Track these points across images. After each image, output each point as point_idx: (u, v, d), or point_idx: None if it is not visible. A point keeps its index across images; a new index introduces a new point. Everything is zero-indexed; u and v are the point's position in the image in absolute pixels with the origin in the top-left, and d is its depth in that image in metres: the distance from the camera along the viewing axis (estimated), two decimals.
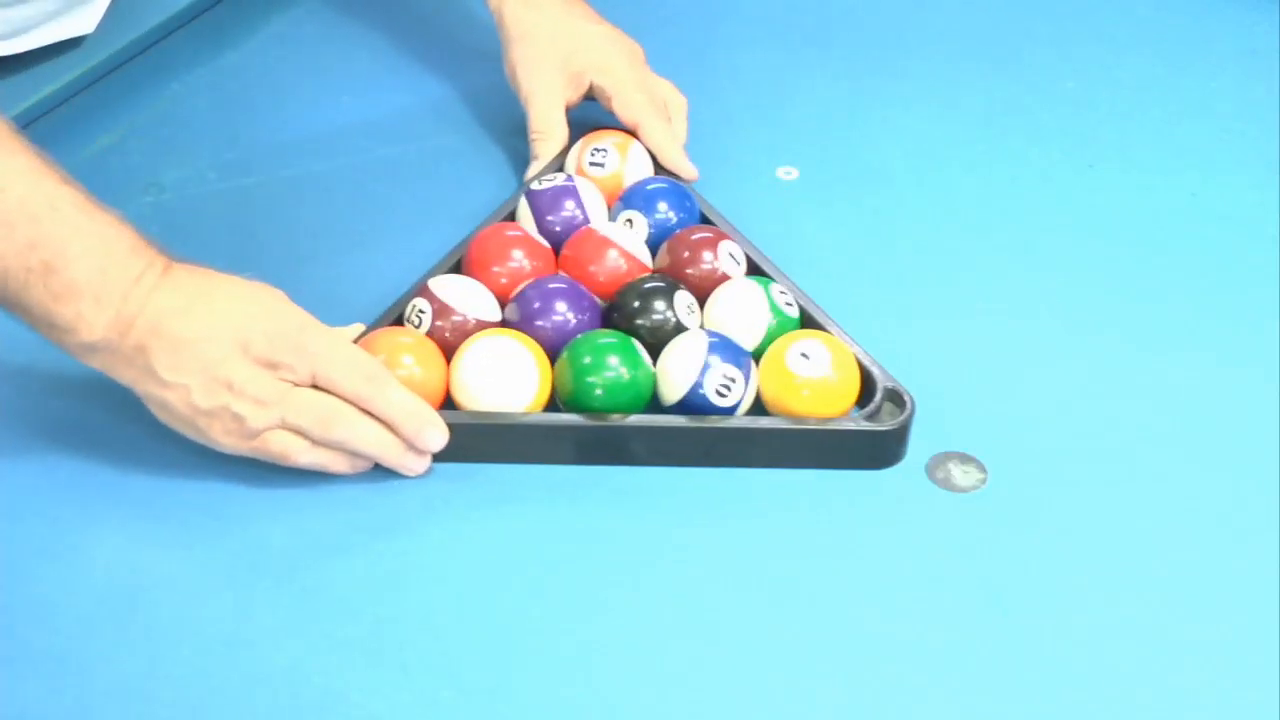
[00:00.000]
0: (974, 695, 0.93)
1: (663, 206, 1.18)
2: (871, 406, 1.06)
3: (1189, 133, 1.37)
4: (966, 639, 0.96)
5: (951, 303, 1.17)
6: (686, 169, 1.25)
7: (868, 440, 1.05)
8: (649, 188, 1.20)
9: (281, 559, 1.00)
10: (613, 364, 1.05)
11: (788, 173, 1.30)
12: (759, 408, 1.07)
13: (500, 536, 1.02)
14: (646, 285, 1.10)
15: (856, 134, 1.35)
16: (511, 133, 1.32)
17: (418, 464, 1.03)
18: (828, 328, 1.10)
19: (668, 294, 1.09)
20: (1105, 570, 1.00)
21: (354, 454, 1.02)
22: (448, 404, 1.06)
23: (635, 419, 1.05)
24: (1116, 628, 0.96)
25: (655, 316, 1.08)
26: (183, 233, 1.18)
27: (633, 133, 1.26)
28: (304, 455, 1.01)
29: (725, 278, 1.12)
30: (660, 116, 1.26)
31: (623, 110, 1.26)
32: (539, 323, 1.08)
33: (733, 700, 0.93)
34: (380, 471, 1.04)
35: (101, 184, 1.13)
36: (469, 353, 1.06)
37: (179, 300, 0.99)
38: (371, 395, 1.01)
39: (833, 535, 1.02)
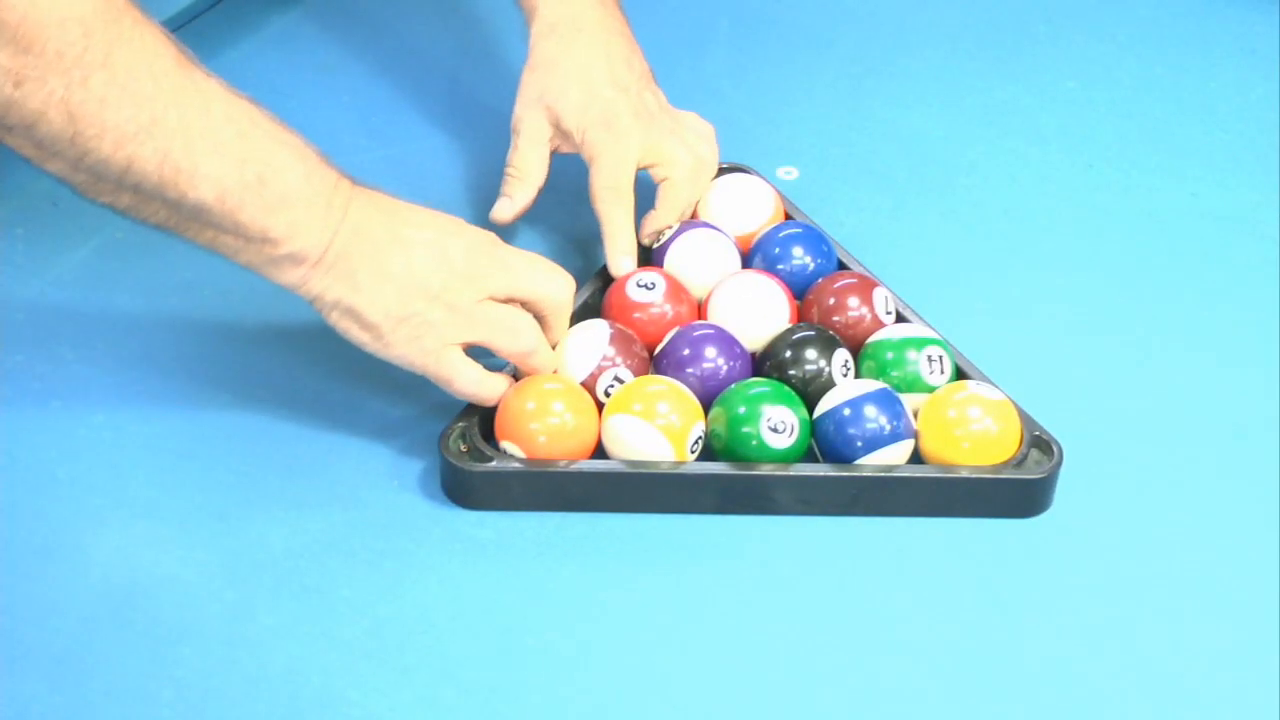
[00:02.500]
0: None
1: (798, 252, 1.16)
2: (1019, 455, 1.04)
3: (1189, 133, 1.37)
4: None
5: (951, 302, 1.17)
6: (617, 265, 1.16)
7: (1014, 489, 1.04)
8: (782, 234, 1.17)
9: (281, 559, 1.00)
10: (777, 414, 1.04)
11: (788, 173, 1.30)
12: (917, 458, 1.06)
13: (500, 536, 1.02)
14: (797, 335, 1.09)
15: (856, 134, 1.35)
16: (508, 133, 1.32)
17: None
18: (974, 376, 1.09)
19: (819, 345, 1.08)
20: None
21: (529, 370, 1.05)
22: (599, 454, 1.05)
23: (779, 468, 1.03)
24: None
25: (808, 367, 1.08)
26: None
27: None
28: (468, 384, 1.03)
29: (878, 324, 1.11)
30: (621, 206, 1.17)
31: (592, 192, 1.19)
32: (689, 370, 1.07)
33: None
34: (380, 471, 1.04)
35: None
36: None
37: (378, 210, 1.01)
38: (564, 306, 1.06)
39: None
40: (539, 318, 1.05)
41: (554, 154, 1.22)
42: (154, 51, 0.94)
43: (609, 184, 1.18)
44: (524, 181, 1.21)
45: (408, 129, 1.34)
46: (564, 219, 1.25)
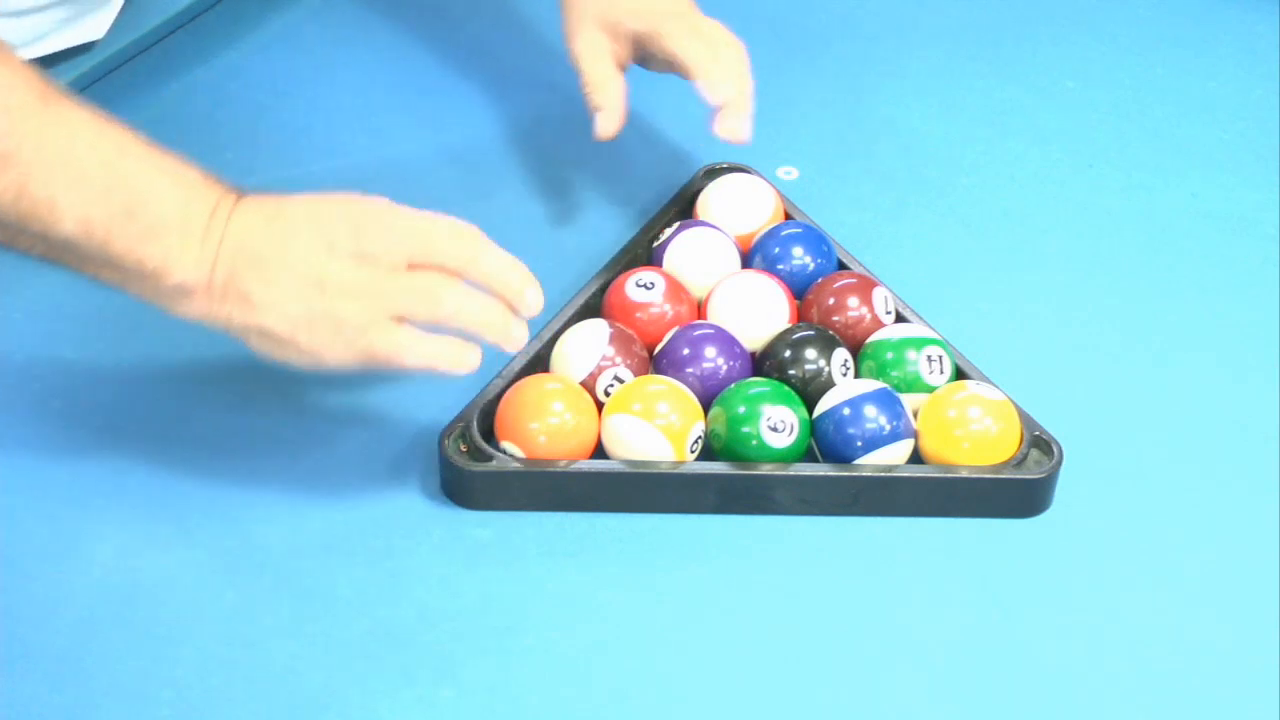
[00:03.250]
0: None
1: (798, 252, 1.16)
2: (1019, 455, 1.04)
3: (1189, 133, 1.37)
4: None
5: (951, 302, 1.17)
6: (736, 128, 1.16)
7: (1014, 489, 1.04)
8: (782, 234, 1.17)
9: (281, 559, 1.00)
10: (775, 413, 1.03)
11: (788, 173, 1.30)
12: (916, 458, 1.06)
13: (500, 536, 1.02)
14: (797, 335, 1.09)
15: (856, 134, 1.35)
16: (514, 131, 1.32)
17: (520, 333, 0.99)
18: (974, 376, 1.08)
19: (819, 344, 1.08)
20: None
21: (463, 333, 0.97)
22: (599, 454, 1.05)
23: (779, 467, 1.03)
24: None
25: (808, 367, 1.07)
26: None
27: (682, 72, 1.19)
28: (413, 351, 0.96)
29: (878, 324, 1.11)
30: (712, 53, 1.17)
31: (668, 49, 1.18)
32: (689, 370, 1.07)
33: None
34: (376, 471, 1.04)
35: None
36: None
37: (258, 220, 0.96)
38: (474, 256, 0.97)
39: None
40: (464, 278, 0.98)
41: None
42: (11, 86, 0.93)
43: (687, 36, 1.17)
44: (607, 89, 1.19)
45: (408, 129, 1.34)
46: (563, 223, 1.25)
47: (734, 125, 1.16)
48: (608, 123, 1.18)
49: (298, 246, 0.96)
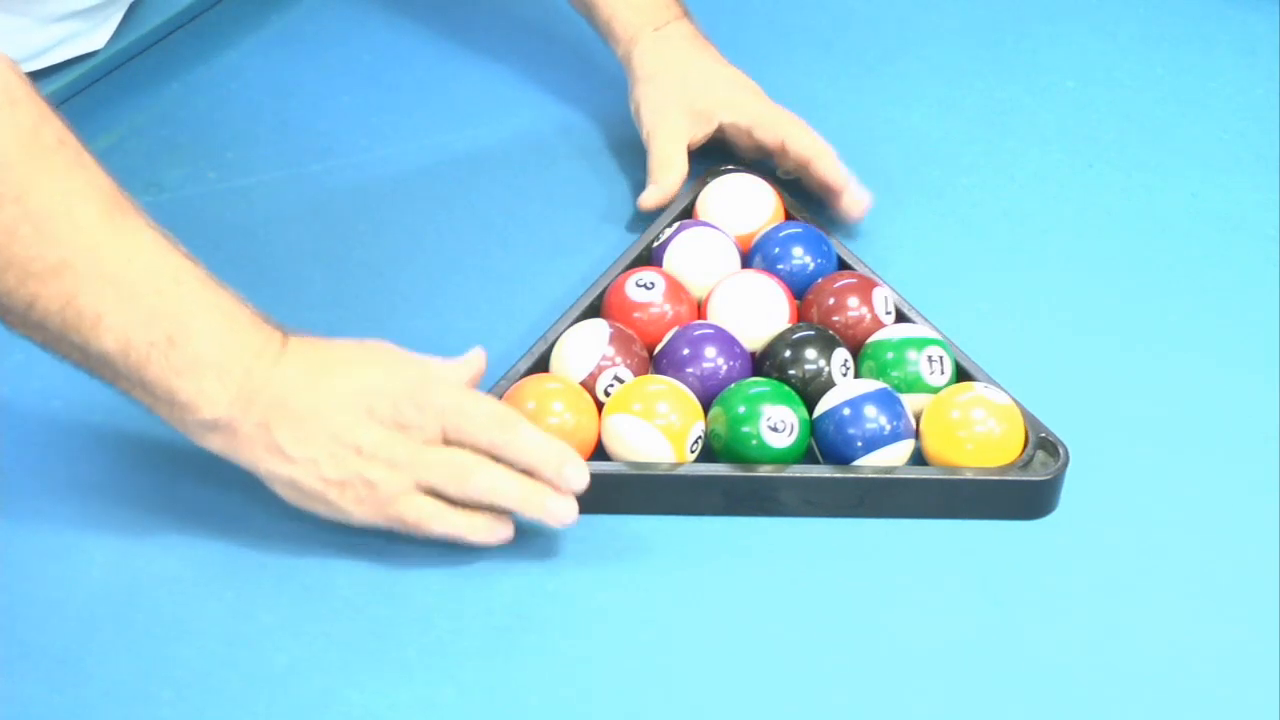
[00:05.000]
0: None
1: (798, 252, 1.16)
2: (1024, 456, 1.04)
3: (1189, 133, 1.37)
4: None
5: (951, 303, 1.17)
6: (853, 195, 1.23)
7: (1020, 491, 1.04)
8: (782, 234, 1.18)
9: (281, 559, 1.00)
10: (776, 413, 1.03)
11: (787, 173, 1.30)
12: (919, 459, 1.06)
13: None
14: (797, 335, 1.09)
15: (856, 134, 1.35)
16: (515, 132, 1.32)
17: (565, 511, 0.97)
18: (978, 377, 1.08)
19: (819, 344, 1.08)
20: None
21: (494, 508, 0.98)
22: (599, 454, 1.05)
23: (784, 469, 1.03)
24: None
25: (808, 367, 1.07)
26: (183, 233, 1.18)
27: (778, 155, 1.25)
28: (440, 522, 0.97)
29: (878, 324, 1.11)
30: (805, 128, 1.24)
31: (766, 132, 1.24)
32: (689, 370, 1.07)
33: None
34: None
35: None
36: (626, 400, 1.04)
37: (300, 373, 0.97)
38: (506, 440, 0.97)
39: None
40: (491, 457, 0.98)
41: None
42: (80, 196, 0.93)
43: (783, 119, 1.25)
44: (670, 170, 1.23)
45: (408, 129, 1.34)
46: (564, 223, 1.25)
47: (857, 199, 1.24)
48: (652, 197, 1.23)
49: (337, 409, 0.96)
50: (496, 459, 0.97)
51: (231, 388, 0.95)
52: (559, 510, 0.97)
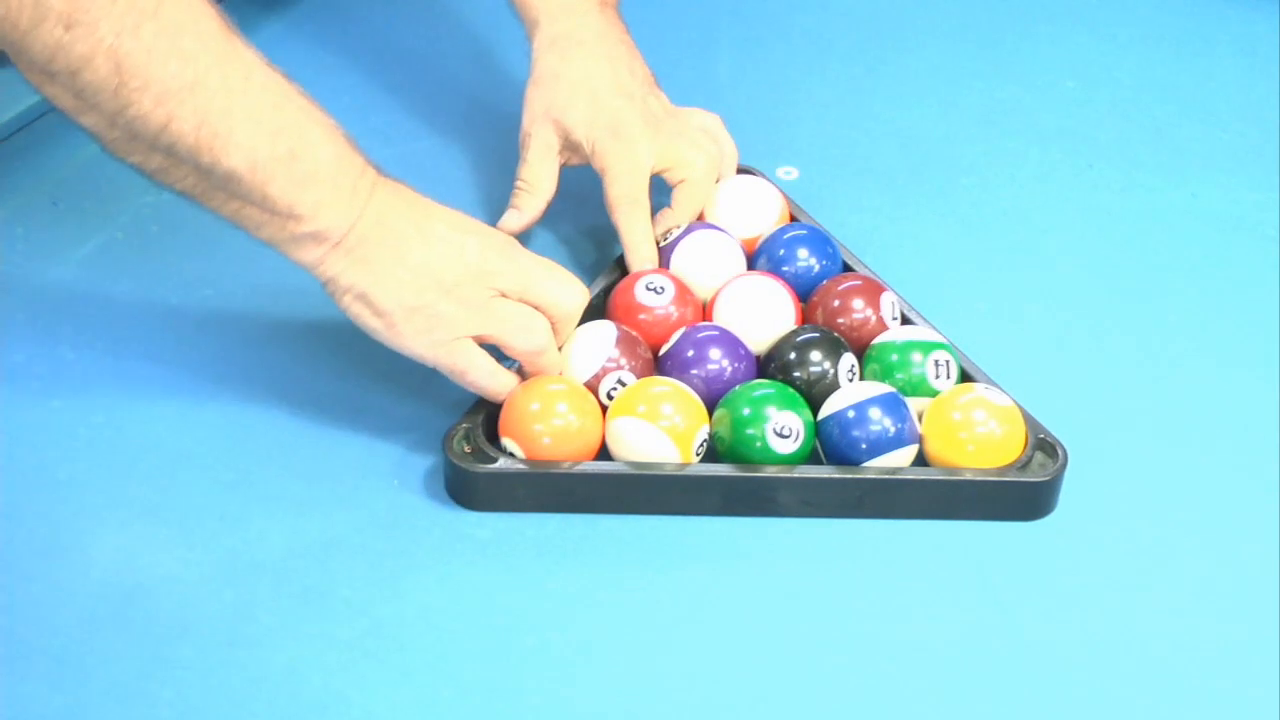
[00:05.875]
0: None
1: (803, 254, 1.16)
2: (1023, 458, 1.04)
3: (1189, 133, 1.37)
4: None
5: (951, 303, 1.17)
6: (638, 263, 1.16)
7: (1019, 492, 1.04)
8: (787, 236, 1.17)
9: (281, 559, 1.00)
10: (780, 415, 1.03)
11: (787, 173, 1.30)
12: (919, 460, 1.06)
13: (500, 536, 1.02)
14: (802, 337, 1.09)
15: (856, 134, 1.35)
16: (515, 131, 1.32)
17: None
18: (978, 379, 1.08)
19: (824, 347, 1.08)
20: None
21: (536, 371, 1.04)
22: (603, 456, 1.05)
23: (784, 470, 1.03)
24: None
25: (813, 369, 1.07)
26: (183, 233, 1.18)
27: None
28: (482, 376, 1.03)
29: (882, 327, 1.11)
30: (638, 216, 1.17)
31: (608, 202, 1.19)
32: (694, 371, 1.07)
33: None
34: (377, 471, 1.04)
35: (102, 184, 1.14)
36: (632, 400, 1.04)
37: (402, 201, 1.01)
38: (575, 313, 1.05)
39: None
40: (552, 325, 1.05)
41: (564, 167, 1.22)
42: (201, 11, 0.94)
43: (625, 194, 1.18)
44: (533, 194, 1.21)
45: (408, 129, 1.34)
46: (572, 222, 1.25)
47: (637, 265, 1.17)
48: (512, 223, 1.21)
49: (436, 243, 1.01)
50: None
51: (343, 201, 0.98)
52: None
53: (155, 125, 0.93)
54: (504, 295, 1.03)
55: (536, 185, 1.21)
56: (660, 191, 1.20)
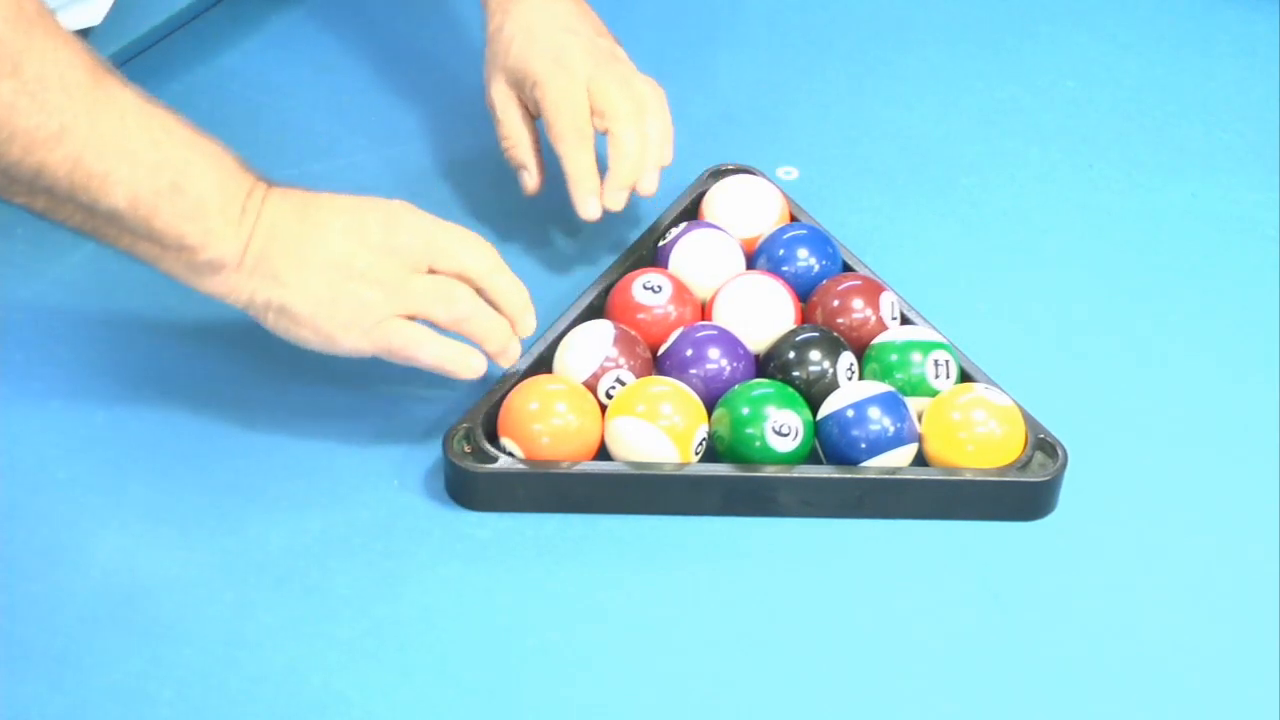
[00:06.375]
0: None
1: (803, 253, 1.16)
2: (1023, 458, 1.04)
3: (1189, 133, 1.37)
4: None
5: (951, 303, 1.17)
6: (584, 207, 1.16)
7: (1019, 492, 1.04)
8: (786, 236, 1.17)
9: (281, 559, 1.00)
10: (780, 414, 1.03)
11: (787, 173, 1.30)
12: (919, 460, 1.06)
13: (500, 536, 1.02)
14: (801, 337, 1.09)
15: (856, 134, 1.35)
16: None
17: (516, 350, 1.05)
18: (978, 379, 1.08)
19: (823, 346, 1.08)
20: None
21: (471, 336, 1.03)
22: (602, 455, 1.05)
23: (784, 469, 1.03)
24: None
25: (812, 368, 1.07)
26: None
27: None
28: (425, 348, 1.02)
29: (882, 327, 1.11)
30: (582, 146, 1.16)
31: (550, 137, 1.18)
32: (693, 371, 1.07)
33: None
34: (377, 471, 1.04)
35: None
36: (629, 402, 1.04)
37: (291, 206, 1.01)
38: (492, 269, 1.04)
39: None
40: (477, 290, 1.04)
41: (536, 118, 1.20)
42: (67, 63, 0.95)
43: (570, 126, 1.16)
44: (520, 146, 1.20)
45: (408, 129, 1.34)
46: (572, 222, 1.25)
47: (582, 201, 1.16)
48: (531, 180, 1.20)
49: (332, 233, 1.01)
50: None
51: (232, 225, 0.99)
52: (513, 353, 1.05)
53: (28, 171, 0.95)
54: (415, 270, 1.02)
55: (518, 138, 1.20)
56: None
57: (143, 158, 0.97)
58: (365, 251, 1.01)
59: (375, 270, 1.01)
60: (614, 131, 1.17)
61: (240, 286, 1.00)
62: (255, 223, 1.00)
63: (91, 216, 0.97)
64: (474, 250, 1.04)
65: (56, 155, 0.94)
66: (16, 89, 0.93)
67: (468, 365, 1.03)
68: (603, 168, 1.17)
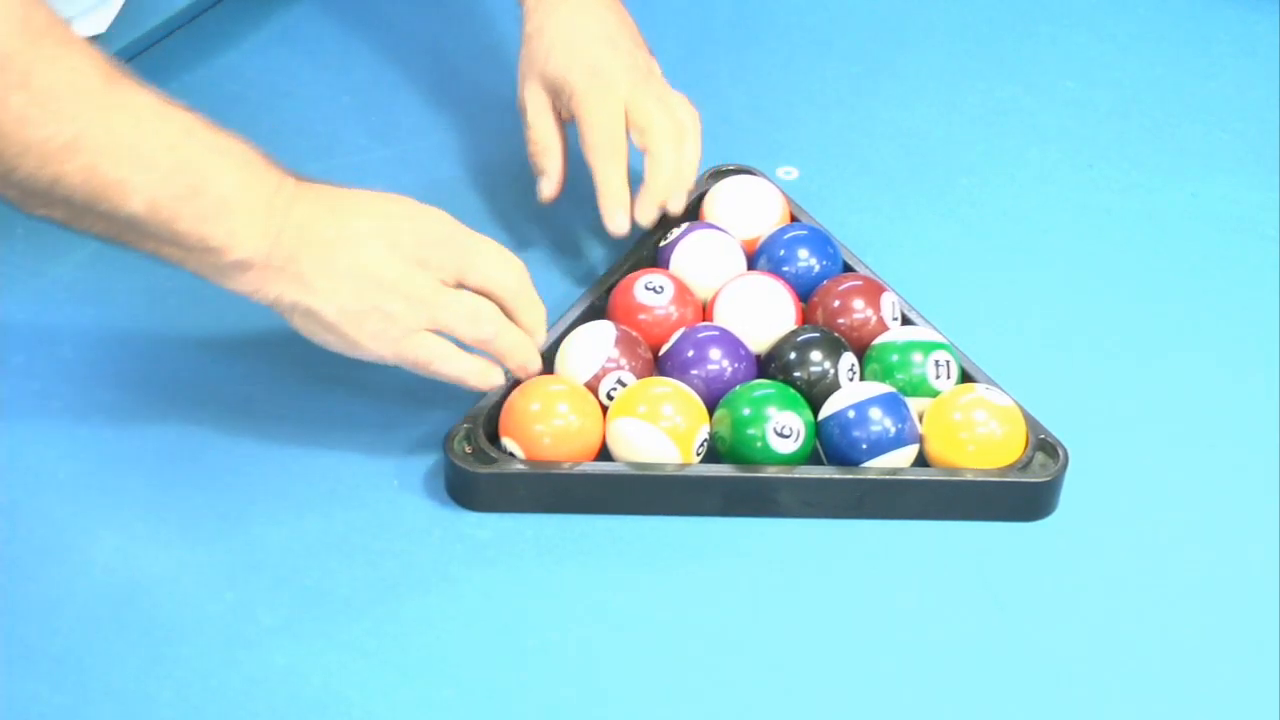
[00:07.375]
0: None
1: (804, 254, 1.16)
2: (1024, 458, 1.04)
3: (1189, 133, 1.37)
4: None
5: (951, 303, 1.17)
6: (614, 221, 1.16)
7: (1020, 492, 1.04)
8: (787, 236, 1.17)
9: (281, 559, 1.00)
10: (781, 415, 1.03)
11: (787, 173, 1.30)
12: (920, 460, 1.06)
13: (501, 537, 1.02)
14: (803, 337, 1.09)
15: (856, 134, 1.35)
16: (517, 132, 1.32)
17: (535, 368, 1.05)
18: (979, 379, 1.08)
19: (824, 347, 1.08)
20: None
21: (493, 353, 1.03)
22: (603, 456, 1.05)
23: (785, 470, 1.03)
24: None
25: (813, 369, 1.07)
26: None
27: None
28: (448, 363, 1.02)
29: (883, 327, 1.11)
30: (614, 161, 1.16)
31: (583, 148, 1.18)
32: (694, 372, 1.07)
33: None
34: (377, 471, 1.04)
35: None
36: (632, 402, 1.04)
37: (322, 207, 1.00)
38: (520, 288, 1.04)
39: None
40: (500, 305, 1.04)
41: (567, 123, 1.20)
42: (78, 70, 0.94)
43: (604, 140, 1.16)
44: (547, 153, 1.20)
45: (409, 128, 1.34)
46: (571, 222, 1.25)
47: (611, 214, 1.16)
48: (547, 188, 1.20)
49: (367, 242, 1.00)
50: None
51: (258, 224, 0.98)
52: (534, 368, 1.05)
53: (44, 183, 0.94)
54: (444, 284, 1.01)
55: (546, 144, 1.20)
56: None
57: (160, 162, 0.96)
58: (396, 262, 1.00)
59: (405, 284, 1.00)
60: (653, 150, 1.17)
61: (267, 285, 0.99)
62: (284, 222, 0.99)
63: (113, 224, 0.97)
64: (504, 268, 1.03)
65: (72, 165, 0.94)
66: (27, 101, 0.92)
67: (487, 380, 1.04)
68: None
